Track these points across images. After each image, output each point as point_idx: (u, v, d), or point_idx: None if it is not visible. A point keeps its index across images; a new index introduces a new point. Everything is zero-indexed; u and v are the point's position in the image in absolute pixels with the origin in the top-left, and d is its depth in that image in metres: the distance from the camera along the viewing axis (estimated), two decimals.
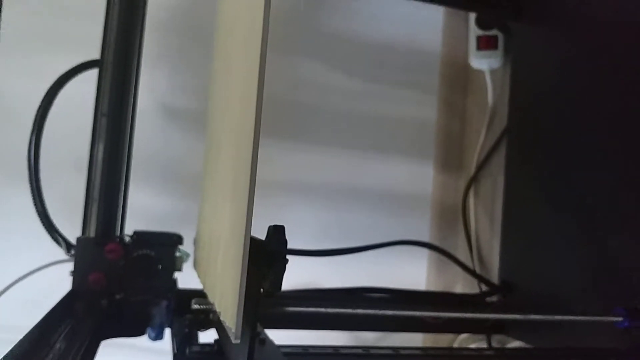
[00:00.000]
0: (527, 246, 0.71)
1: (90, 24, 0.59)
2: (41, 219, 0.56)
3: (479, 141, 0.88)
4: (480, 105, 0.91)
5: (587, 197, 0.61)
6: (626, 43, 0.58)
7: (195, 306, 0.41)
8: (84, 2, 0.74)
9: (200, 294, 0.46)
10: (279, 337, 0.43)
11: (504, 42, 0.84)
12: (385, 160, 0.91)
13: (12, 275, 0.56)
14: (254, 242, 0.30)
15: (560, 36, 0.69)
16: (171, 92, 0.80)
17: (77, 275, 0.53)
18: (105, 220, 0.56)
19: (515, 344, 0.71)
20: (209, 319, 0.43)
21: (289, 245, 0.32)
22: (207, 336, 0.47)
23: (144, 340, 0.53)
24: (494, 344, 0.75)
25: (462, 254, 0.88)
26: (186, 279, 0.57)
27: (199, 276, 0.55)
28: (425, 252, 0.89)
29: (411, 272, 0.90)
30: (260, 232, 0.33)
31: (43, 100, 0.56)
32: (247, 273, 0.29)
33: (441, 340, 0.85)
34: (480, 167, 0.87)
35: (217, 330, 0.45)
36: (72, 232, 0.56)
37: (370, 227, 0.87)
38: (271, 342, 0.40)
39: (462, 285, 0.89)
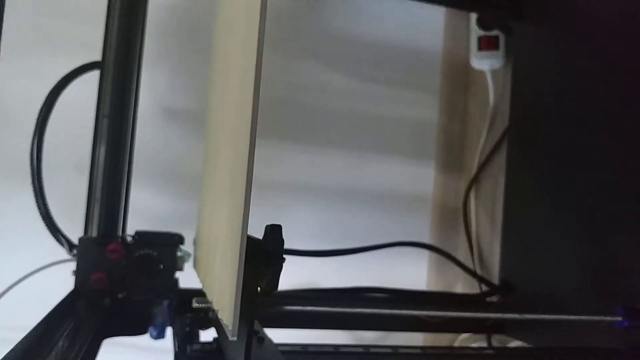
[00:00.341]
0: (528, 246, 0.71)
1: (92, 26, 0.60)
2: (44, 220, 0.57)
3: (480, 142, 0.88)
4: (481, 105, 0.91)
5: (587, 198, 0.61)
6: (627, 43, 0.58)
7: (196, 305, 0.42)
8: (85, 4, 0.75)
9: (201, 293, 0.46)
10: (280, 336, 0.43)
11: (505, 43, 0.83)
12: (385, 161, 0.91)
13: (14, 274, 0.57)
14: (251, 241, 0.30)
15: (561, 36, 0.69)
16: (171, 92, 0.80)
17: (80, 274, 0.53)
18: (107, 221, 0.56)
19: (515, 343, 0.71)
20: (208, 317, 0.44)
21: (290, 246, 0.33)
22: (209, 335, 0.47)
23: (145, 339, 0.53)
24: (494, 344, 0.75)
25: (463, 254, 0.88)
26: (187, 278, 0.57)
27: (198, 275, 0.55)
28: (425, 252, 0.89)
29: (411, 272, 0.90)
30: (260, 233, 0.33)
31: (45, 102, 0.57)
32: (244, 272, 0.29)
33: (441, 340, 0.85)
34: (481, 167, 0.87)
35: (216, 328, 0.45)
36: (75, 232, 0.56)
37: (371, 228, 0.87)
38: (270, 341, 0.41)
39: (463, 285, 0.89)
